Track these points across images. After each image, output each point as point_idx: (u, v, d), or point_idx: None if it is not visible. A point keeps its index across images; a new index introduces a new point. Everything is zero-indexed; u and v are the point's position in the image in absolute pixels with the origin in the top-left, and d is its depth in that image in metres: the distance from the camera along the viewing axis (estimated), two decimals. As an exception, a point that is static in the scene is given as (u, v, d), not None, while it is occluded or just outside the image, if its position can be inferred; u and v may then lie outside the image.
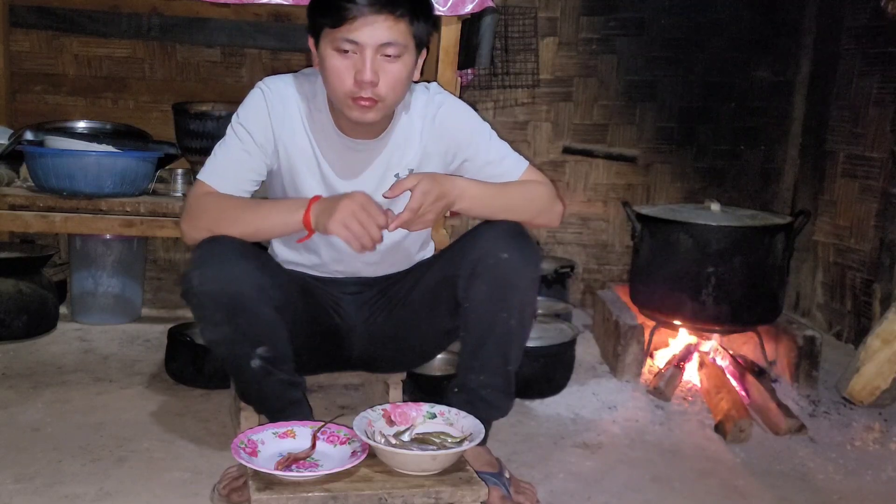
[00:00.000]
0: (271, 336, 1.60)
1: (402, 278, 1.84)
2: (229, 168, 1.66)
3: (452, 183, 1.63)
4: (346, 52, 1.54)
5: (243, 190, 1.68)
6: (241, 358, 1.60)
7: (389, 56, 1.55)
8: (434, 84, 1.78)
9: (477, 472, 1.50)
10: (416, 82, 1.70)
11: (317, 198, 1.60)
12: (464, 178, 1.71)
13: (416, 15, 1.56)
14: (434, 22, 1.67)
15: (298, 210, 1.58)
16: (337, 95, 1.58)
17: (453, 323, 1.72)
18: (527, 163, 1.78)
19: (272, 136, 1.67)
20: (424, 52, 1.65)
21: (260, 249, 1.64)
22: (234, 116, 1.68)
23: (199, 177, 1.68)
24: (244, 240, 1.60)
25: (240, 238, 1.59)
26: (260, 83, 1.69)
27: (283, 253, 1.82)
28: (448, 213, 2.33)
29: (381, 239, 1.55)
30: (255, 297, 1.55)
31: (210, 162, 1.68)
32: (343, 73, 1.55)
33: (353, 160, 1.71)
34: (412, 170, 1.72)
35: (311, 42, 1.62)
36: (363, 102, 1.56)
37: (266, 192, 1.81)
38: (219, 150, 1.68)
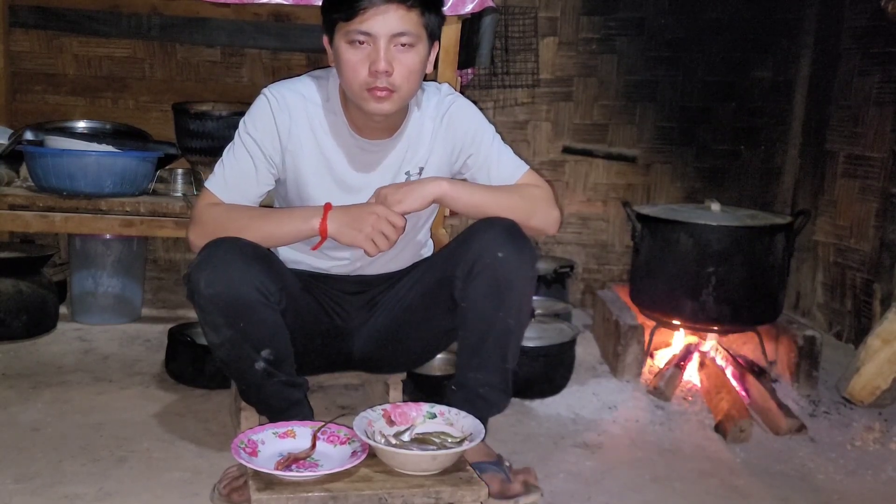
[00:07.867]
0: (274, 339, 1.61)
1: (402, 278, 1.84)
2: (238, 180, 1.66)
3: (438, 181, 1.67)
4: (360, 43, 1.55)
5: (250, 202, 1.69)
6: (245, 361, 1.60)
7: (403, 45, 1.56)
8: (446, 85, 1.80)
9: (477, 463, 1.50)
10: (426, 80, 1.71)
11: (329, 205, 1.61)
12: (455, 179, 1.74)
13: (427, 5, 1.58)
14: (444, 15, 1.68)
15: (313, 218, 1.60)
16: (352, 88, 1.59)
17: (452, 323, 1.72)
18: (527, 167, 1.79)
19: (279, 147, 1.67)
20: (437, 44, 1.66)
21: (264, 248, 1.64)
22: (241, 124, 1.68)
23: (206, 185, 1.68)
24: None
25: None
26: (266, 91, 1.68)
27: (283, 251, 1.81)
28: (448, 212, 2.35)
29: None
30: (259, 301, 1.55)
31: (218, 171, 1.68)
32: (357, 65, 1.56)
33: (366, 160, 1.71)
34: (422, 168, 1.74)
35: (325, 41, 1.64)
36: (379, 93, 1.57)
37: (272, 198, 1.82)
38: (227, 158, 1.68)
